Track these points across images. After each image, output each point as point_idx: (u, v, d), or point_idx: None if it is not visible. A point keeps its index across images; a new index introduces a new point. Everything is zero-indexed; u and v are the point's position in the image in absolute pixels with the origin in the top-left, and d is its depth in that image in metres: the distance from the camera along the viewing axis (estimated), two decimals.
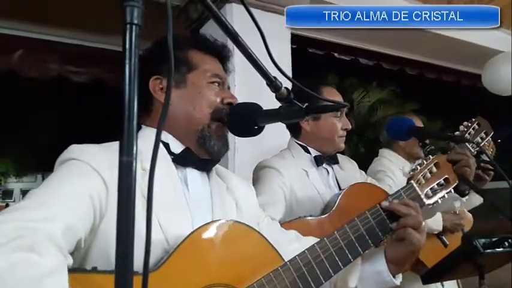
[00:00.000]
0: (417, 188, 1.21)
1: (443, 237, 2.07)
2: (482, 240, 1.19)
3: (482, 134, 1.78)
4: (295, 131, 1.79)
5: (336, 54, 3.88)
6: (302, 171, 1.67)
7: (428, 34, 3.50)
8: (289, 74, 2.79)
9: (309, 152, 1.75)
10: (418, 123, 2.15)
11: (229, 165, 2.18)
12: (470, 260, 1.25)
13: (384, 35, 3.66)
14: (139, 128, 1.07)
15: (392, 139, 2.30)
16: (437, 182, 1.25)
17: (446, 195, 1.24)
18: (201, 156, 1.06)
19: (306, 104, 0.85)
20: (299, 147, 1.75)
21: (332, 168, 1.77)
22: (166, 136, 1.05)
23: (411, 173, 1.23)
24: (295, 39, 3.16)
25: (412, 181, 1.21)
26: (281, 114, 0.88)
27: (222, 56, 1.15)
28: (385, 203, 1.13)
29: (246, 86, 2.37)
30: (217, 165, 1.14)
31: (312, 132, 1.73)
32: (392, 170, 2.27)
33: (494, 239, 1.19)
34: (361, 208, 1.56)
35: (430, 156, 1.27)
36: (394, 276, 1.12)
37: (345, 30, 3.58)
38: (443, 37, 3.63)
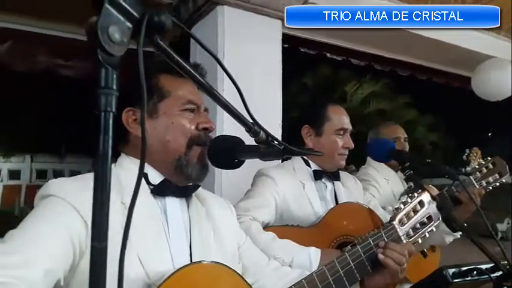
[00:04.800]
0: (398, 230, 1.25)
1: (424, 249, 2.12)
2: (452, 270, 1.24)
3: (496, 175, 1.82)
4: (298, 144, 1.83)
5: (328, 54, 3.89)
6: (299, 183, 1.73)
7: (419, 37, 3.53)
8: (280, 75, 2.79)
9: (309, 165, 1.79)
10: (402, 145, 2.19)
11: (215, 184, 2.20)
12: None
13: (376, 36, 3.68)
14: (118, 154, 1.08)
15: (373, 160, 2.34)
16: (420, 220, 1.29)
17: (427, 235, 1.27)
18: (180, 184, 1.06)
19: (283, 147, 0.87)
20: (301, 160, 1.80)
21: (333, 183, 1.82)
22: (145, 166, 1.05)
23: (394, 211, 1.26)
24: (287, 38, 3.16)
25: (394, 222, 1.25)
26: (261, 152, 0.90)
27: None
28: (382, 243, 1.21)
29: (234, 93, 2.38)
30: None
31: (314, 147, 1.77)
32: (377, 179, 2.31)
33: (463, 269, 1.24)
34: (345, 227, 1.61)
35: (416, 194, 1.29)
36: None
37: (337, 31, 3.58)
38: (434, 40, 3.65)
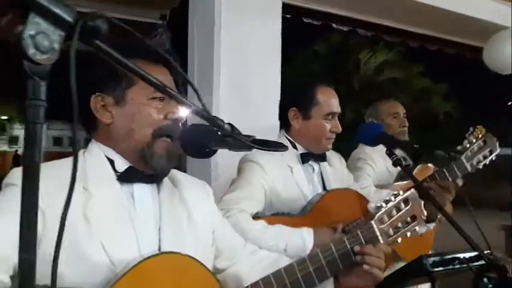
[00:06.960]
0: (376, 230, 1.20)
1: None
2: (432, 259, 1.22)
3: (486, 153, 1.79)
4: (285, 125, 1.80)
5: (333, 25, 3.77)
6: (286, 167, 1.70)
7: (430, 7, 3.41)
8: (279, 48, 2.72)
9: (296, 148, 1.76)
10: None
11: (212, 168, 2.22)
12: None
13: (384, 6, 3.56)
14: (89, 140, 1.08)
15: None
16: (403, 219, 1.22)
17: (408, 234, 1.21)
18: (146, 172, 1.05)
19: (252, 138, 0.86)
20: (287, 142, 1.76)
21: (319, 165, 1.80)
22: (111, 153, 1.04)
23: (375, 210, 1.21)
24: (289, 9, 3.07)
25: (372, 221, 1.20)
26: (230, 144, 0.89)
27: (170, 64, 1.06)
28: (357, 248, 1.17)
29: (232, 84, 2.38)
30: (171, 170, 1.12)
31: (300, 130, 1.74)
32: (374, 158, 2.29)
33: (444, 258, 1.22)
34: (337, 214, 1.60)
35: (401, 192, 1.24)
36: None
37: (343, 0, 3.47)
38: (445, 11, 3.52)
